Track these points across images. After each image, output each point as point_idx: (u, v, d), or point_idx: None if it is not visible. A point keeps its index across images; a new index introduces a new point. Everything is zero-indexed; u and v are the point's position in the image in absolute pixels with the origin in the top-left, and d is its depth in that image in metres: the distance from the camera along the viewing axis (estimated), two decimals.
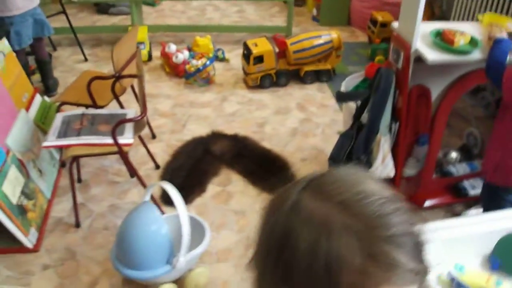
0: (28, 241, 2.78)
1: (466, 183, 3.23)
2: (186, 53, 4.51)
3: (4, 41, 3.22)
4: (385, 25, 5.30)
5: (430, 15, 4.94)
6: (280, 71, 4.45)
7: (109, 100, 3.17)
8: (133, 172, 2.94)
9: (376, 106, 2.72)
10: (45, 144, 2.78)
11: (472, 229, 1.77)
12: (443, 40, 2.71)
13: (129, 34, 3.19)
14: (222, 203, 3.15)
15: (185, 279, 2.53)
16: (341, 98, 3.10)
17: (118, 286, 2.62)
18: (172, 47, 4.54)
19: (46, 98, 3.56)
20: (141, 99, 2.69)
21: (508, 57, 2.39)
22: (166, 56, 4.55)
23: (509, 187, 2.54)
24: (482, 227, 1.78)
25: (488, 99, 4.10)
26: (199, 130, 3.78)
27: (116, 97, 3.09)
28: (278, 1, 6.23)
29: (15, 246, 2.78)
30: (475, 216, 1.88)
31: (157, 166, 3.39)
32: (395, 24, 2.84)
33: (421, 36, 2.69)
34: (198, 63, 4.35)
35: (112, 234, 2.91)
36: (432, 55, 2.61)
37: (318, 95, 4.44)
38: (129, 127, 2.80)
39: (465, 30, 2.79)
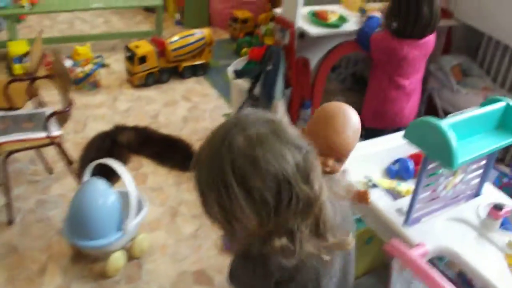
0: None
1: None
2: (69, 62, 4.68)
3: None
4: (245, 21, 5.85)
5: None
6: (162, 69, 4.79)
7: (24, 102, 3.32)
8: (67, 161, 3.12)
9: (271, 77, 3.21)
10: None
11: (370, 149, 2.32)
12: (318, 18, 3.27)
13: (35, 44, 3.38)
14: (140, 184, 3.45)
15: (131, 246, 2.81)
16: (239, 75, 3.53)
17: (68, 267, 2.82)
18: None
19: None
20: (65, 93, 2.92)
21: (375, 30, 3.02)
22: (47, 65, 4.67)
23: (386, 129, 3.14)
24: (378, 148, 2.34)
25: (343, 74, 4.77)
26: (100, 126, 4.00)
27: (31, 97, 3.25)
28: (140, 10, 6.52)
29: None
30: (372, 140, 2.41)
31: (70, 162, 3.57)
32: (278, 10, 3.37)
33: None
34: (86, 69, 4.56)
35: (46, 225, 3.09)
36: (313, 30, 3.22)
37: (198, 87, 4.87)
38: (54, 122, 3.01)
39: (333, 10, 3.41)
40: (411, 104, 3.13)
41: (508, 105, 1.87)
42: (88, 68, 4.59)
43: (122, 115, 4.28)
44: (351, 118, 1.48)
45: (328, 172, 1.45)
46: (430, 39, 2.97)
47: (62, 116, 3.02)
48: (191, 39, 4.84)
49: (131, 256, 2.84)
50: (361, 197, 1.66)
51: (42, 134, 2.94)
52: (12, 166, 3.55)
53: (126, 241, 2.75)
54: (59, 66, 3.04)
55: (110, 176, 2.90)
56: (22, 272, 2.78)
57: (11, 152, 2.90)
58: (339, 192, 1.42)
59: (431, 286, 1.46)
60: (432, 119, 1.71)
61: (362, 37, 3.10)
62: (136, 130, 3.96)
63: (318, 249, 1.19)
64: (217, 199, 1.11)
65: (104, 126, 4.00)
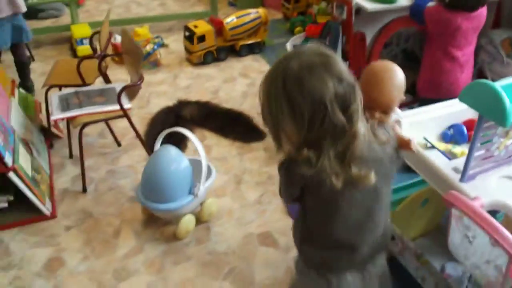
0: (46, 209, 3.08)
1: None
2: None
3: None
4: (298, 1, 5.94)
5: None
6: (219, 48, 4.96)
7: (93, 79, 3.55)
8: (136, 133, 3.33)
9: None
10: (55, 117, 3.13)
11: (426, 115, 2.43)
12: None
13: (104, 25, 3.59)
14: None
15: (201, 209, 2.99)
16: None
17: (140, 230, 3.02)
18: (118, 38, 4.90)
19: (21, 89, 3.86)
20: (137, 69, 3.11)
21: (428, 3, 3.17)
22: (114, 46, 4.91)
23: (441, 99, 3.24)
24: (433, 114, 2.46)
25: (395, 50, 4.82)
26: (163, 102, 4.22)
27: (103, 74, 3.47)
28: None
29: (35, 216, 3.07)
30: (428, 106, 2.53)
31: (138, 135, 3.79)
32: None
33: None
34: (147, 48, 4.77)
35: (118, 192, 3.31)
36: (369, 5, 3.30)
37: (255, 64, 5.02)
38: (124, 96, 3.21)
39: None
40: (465, 76, 3.23)
41: None
42: (149, 47, 4.81)
43: (184, 91, 4.48)
44: (395, 76, 1.65)
45: (379, 121, 1.61)
46: (482, 12, 3.08)
47: (131, 91, 3.21)
48: (247, 19, 5.00)
49: (200, 219, 3.01)
50: (405, 144, 1.78)
51: (115, 107, 3.13)
52: (83, 139, 3.78)
53: (195, 205, 2.92)
54: (130, 43, 3.23)
55: (179, 145, 3.09)
56: (98, 235, 3.00)
57: (86, 124, 3.12)
58: (380, 136, 1.55)
59: (490, 230, 1.57)
60: (486, 81, 1.81)
61: (415, 10, 3.24)
62: (198, 104, 4.17)
63: (335, 172, 1.41)
64: (269, 107, 1.43)
65: (166, 102, 4.22)
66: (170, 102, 4.23)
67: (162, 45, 5.25)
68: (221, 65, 4.99)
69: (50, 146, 3.70)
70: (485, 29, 3.47)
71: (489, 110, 1.81)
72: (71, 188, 3.36)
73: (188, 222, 2.91)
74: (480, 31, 3.20)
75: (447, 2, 3.02)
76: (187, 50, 4.98)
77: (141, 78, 3.08)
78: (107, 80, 3.54)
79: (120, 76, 4.47)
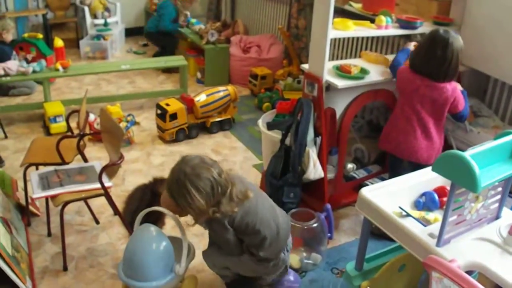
0: None
1: (368, 182, 4.07)
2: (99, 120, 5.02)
3: None
4: (264, 77, 6.21)
5: (299, 63, 5.88)
6: (191, 125, 5.12)
7: (71, 157, 3.62)
8: (116, 211, 3.39)
9: (303, 127, 3.49)
10: (36, 195, 3.18)
11: (399, 186, 2.61)
12: (341, 71, 3.59)
13: (82, 104, 3.71)
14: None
15: (181, 286, 3.04)
16: (271, 127, 3.82)
17: None
18: (91, 116, 5.01)
19: None
20: (117, 148, 3.21)
21: (403, 62, 3.57)
22: (88, 125, 5.00)
23: (400, 158, 3.55)
24: (406, 184, 2.63)
25: (360, 122, 5.07)
26: (138, 180, 4.29)
27: (81, 153, 3.56)
28: (160, 71, 7.00)
29: None
30: (400, 177, 2.70)
31: (115, 213, 3.84)
32: (306, 66, 3.68)
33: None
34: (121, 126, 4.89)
35: (99, 270, 3.33)
36: (340, 82, 3.51)
37: (226, 141, 5.17)
38: (104, 175, 3.29)
39: (354, 63, 3.74)
40: (422, 142, 3.44)
41: None
42: (122, 126, 4.92)
43: (158, 168, 4.58)
44: None
45: None
46: (448, 89, 3.33)
47: (111, 169, 3.30)
48: (217, 96, 5.19)
49: None
50: None
51: (97, 185, 3.21)
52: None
53: (176, 283, 2.97)
54: (110, 123, 3.34)
55: (156, 222, 3.15)
56: None
57: (68, 202, 3.18)
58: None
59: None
60: (457, 152, 1.99)
61: (392, 68, 3.66)
62: None
63: (232, 206, 2.55)
64: (182, 197, 2.48)
65: (141, 179, 4.28)
66: (145, 179, 4.27)
67: (135, 123, 5.37)
68: (193, 142, 5.14)
69: (27, 224, 3.72)
70: None
71: (461, 178, 1.98)
72: (51, 267, 3.37)
73: None
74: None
75: (412, 63, 3.38)
76: (159, 128, 5.11)
77: (121, 157, 3.18)
78: (85, 159, 3.63)
79: (95, 154, 4.57)
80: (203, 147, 5.04)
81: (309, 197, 3.80)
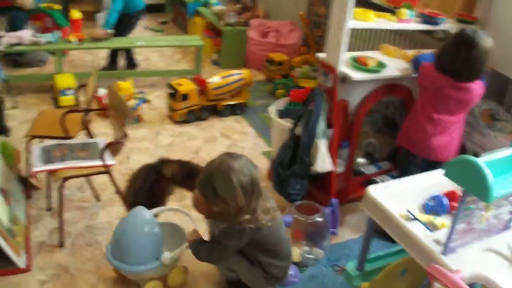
0: (21, 262, 3.02)
1: (377, 179, 3.96)
2: None
3: None
4: (281, 63, 6.09)
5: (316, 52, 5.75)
6: (202, 107, 5.03)
7: (76, 132, 3.56)
8: (117, 190, 3.33)
9: (313, 117, 3.38)
10: (36, 169, 3.12)
11: (409, 187, 2.51)
12: (359, 63, 3.47)
13: (91, 79, 3.64)
14: (183, 216, 3.61)
15: (168, 276, 2.97)
16: (283, 115, 3.73)
17: None
18: (102, 91, 4.94)
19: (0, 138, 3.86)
20: (122, 126, 3.14)
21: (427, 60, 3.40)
22: (97, 99, 4.94)
23: (414, 153, 3.41)
24: (416, 185, 2.53)
25: (375, 116, 4.94)
26: (143, 159, 4.21)
27: (87, 128, 3.49)
28: (178, 49, 6.84)
29: (8, 268, 3.00)
30: (411, 177, 2.61)
31: (118, 191, 3.77)
32: (322, 55, 3.56)
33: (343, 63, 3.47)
34: (130, 103, 4.81)
35: (95, 249, 3.28)
36: (355, 74, 3.39)
37: (237, 125, 5.08)
38: (107, 152, 3.22)
39: (372, 56, 3.61)
40: (441, 141, 3.32)
41: None
42: (132, 103, 4.85)
43: (165, 149, 4.51)
44: None
45: None
46: (473, 88, 3.21)
47: (115, 147, 3.23)
48: (231, 79, 5.10)
49: (168, 285, 2.99)
50: None
51: (98, 162, 3.14)
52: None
53: (163, 272, 2.90)
54: (117, 100, 3.27)
55: (160, 201, 3.10)
56: None
57: (67, 178, 3.11)
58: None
59: None
60: (470, 158, 1.88)
61: (414, 62, 3.50)
62: (180, 163, 4.15)
63: (266, 219, 2.53)
64: (224, 191, 2.44)
65: (147, 159, 4.21)
66: (150, 159, 4.21)
67: (146, 101, 5.29)
68: (203, 124, 5.05)
69: (28, 197, 3.67)
70: None
71: (473, 185, 1.87)
72: (48, 241, 3.32)
73: (153, 287, 2.89)
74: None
75: (437, 62, 3.22)
76: (170, 108, 5.03)
77: (125, 136, 3.10)
78: (90, 134, 3.55)
79: (102, 129, 4.49)
80: (213, 130, 4.95)
81: (315, 190, 3.70)
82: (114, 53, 6.03)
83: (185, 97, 4.88)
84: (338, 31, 3.30)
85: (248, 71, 5.29)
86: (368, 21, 3.45)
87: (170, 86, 4.96)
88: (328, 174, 3.55)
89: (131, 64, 6.11)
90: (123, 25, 5.74)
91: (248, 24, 6.63)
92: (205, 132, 4.88)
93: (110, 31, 5.52)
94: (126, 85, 5.17)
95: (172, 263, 2.90)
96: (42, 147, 3.33)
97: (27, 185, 3.70)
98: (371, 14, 3.47)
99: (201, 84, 5.00)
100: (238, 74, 5.17)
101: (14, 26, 5.56)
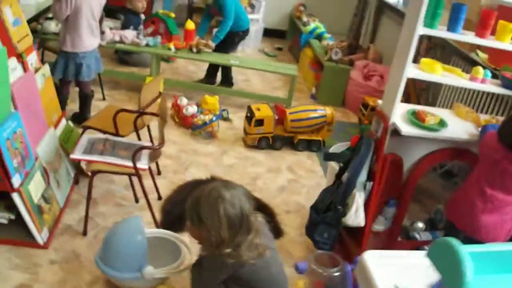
0: (40, 238, 3.17)
1: (426, 247, 3.68)
2: (195, 108, 5.05)
3: (46, 66, 3.75)
4: (374, 109, 5.89)
5: (416, 103, 5.53)
6: (276, 136, 4.99)
7: (129, 132, 3.66)
8: (143, 194, 3.37)
9: (356, 166, 3.22)
10: (73, 156, 3.25)
11: (421, 261, 2.25)
12: (416, 118, 3.26)
13: (155, 80, 3.73)
14: None
15: None
16: (327, 157, 3.61)
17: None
18: (184, 100, 5.07)
19: (69, 122, 4.04)
20: (161, 133, 3.18)
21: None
22: (177, 107, 5.07)
23: (460, 229, 3.09)
24: (423, 261, 2.27)
25: (459, 184, 4.62)
26: (199, 174, 4.25)
27: (137, 130, 3.57)
28: (282, 76, 6.85)
29: (28, 240, 3.16)
30: (421, 252, 2.35)
31: (159, 198, 3.83)
32: (380, 102, 3.38)
33: (400, 114, 3.26)
34: (205, 117, 4.88)
35: None
36: (405, 128, 3.16)
37: (307, 162, 4.96)
38: (145, 156, 3.27)
39: (437, 113, 3.37)
40: (491, 218, 3.00)
41: None
42: (208, 117, 4.91)
43: (224, 169, 4.50)
44: None
45: None
46: None
47: (154, 152, 3.28)
48: (312, 114, 5.01)
49: None
50: None
51: (129, 163, 3.19)
52: (108, 186, 3.89)
53: (145, 285, 2.88)
54: (163, 108, 3.32)
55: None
56: (75, 279, 3.02)
57: (96, 171, 3.20)
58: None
59: None
60: (454, 241, 1.64)
61: (482, 130, 3.22)
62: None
63: (249, 256, 2.28)
64: (209, 219, 2.20)
65: (202, 174, 4.24)
66: (205, 175, 4.24)
67: (224, 118, 5.34)
68: (274, 153, 4.98)
69: (76, 182, 3.82)
70: None
71: (449, 277, 1.63)
72: (74, 227, 3.43)
73: None
74: None
75: (499, 132, 2.91)
76: (244, 131, 5.04)
77: (161, 143, 3.14)
78: (138, 136, 3.64)
79: (171, 136, 4.59)
80: (281, 161, 4.87)
81: (350, 240, 3.52)
82: (214, 68, 6.16)
83: (260, 122, 4.86)
84: (396, 79, 3.12)
85: (332, 109, 5.15)
86: (433, 73, 3.22)
87: (249, 109, 4.96)
88: (361, 229, 3.35)
89: (226, 81, 6.21)
90: (227, 43, 5.87)
91: (353, 63, 6.51)
92: (272, 162, 4.81)
93: (212, 44, 5.66)
94: (212, 100, 5.26)
95: (155, 280, 2.86)
96: (90, 138, 3.46)
97: (77, 170, 3.85)
98: (438, 66, 3.24)
99: (281, 113, 4.96)
100: (321, 111, 5.06)
101: (126, 26, 5.86)
